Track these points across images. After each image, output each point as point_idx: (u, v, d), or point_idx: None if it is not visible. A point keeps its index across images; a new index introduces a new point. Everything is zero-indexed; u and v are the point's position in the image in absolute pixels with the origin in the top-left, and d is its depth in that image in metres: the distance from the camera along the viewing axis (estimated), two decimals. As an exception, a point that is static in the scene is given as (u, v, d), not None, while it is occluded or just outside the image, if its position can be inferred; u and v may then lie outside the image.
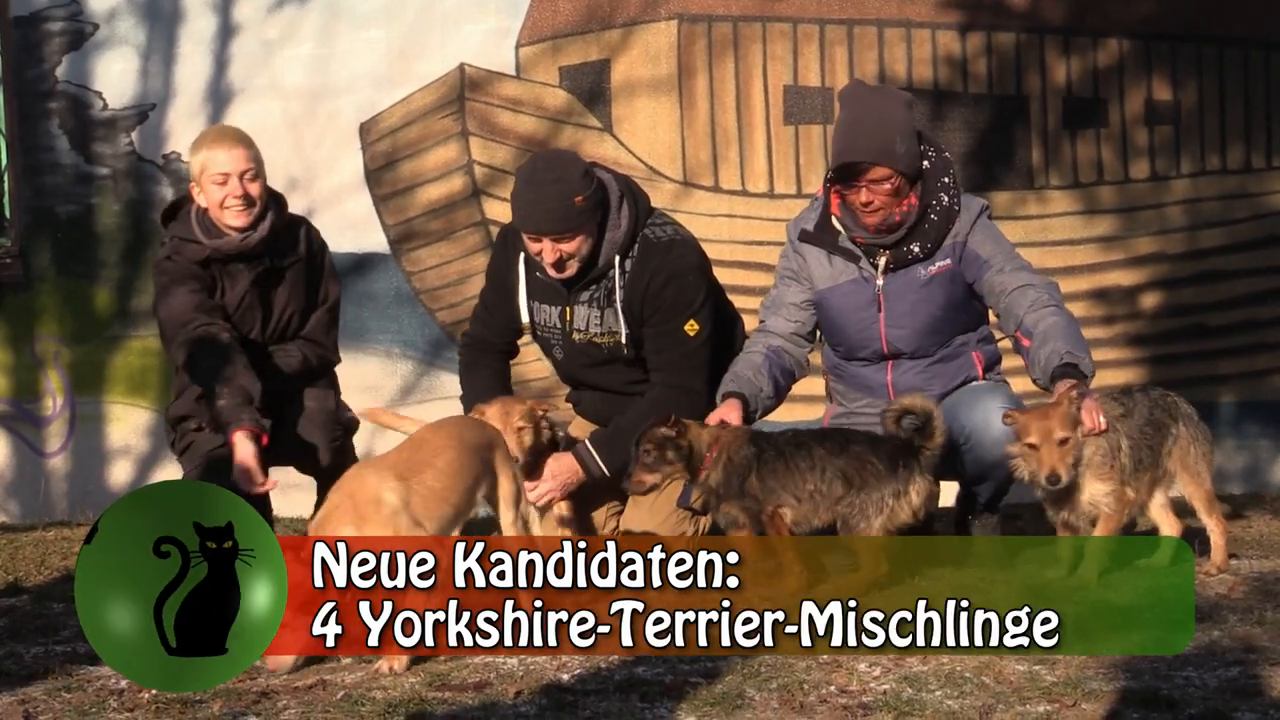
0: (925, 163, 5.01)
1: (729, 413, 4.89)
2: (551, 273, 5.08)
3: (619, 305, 5.10)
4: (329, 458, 5.29)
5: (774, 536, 4.63)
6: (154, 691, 3.73)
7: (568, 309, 5.18)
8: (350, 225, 7.84)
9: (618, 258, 5.08)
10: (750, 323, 5.40)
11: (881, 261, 5.02)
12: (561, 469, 5.10)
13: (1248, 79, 7.99)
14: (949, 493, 5.49)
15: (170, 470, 7.08)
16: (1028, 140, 7.97)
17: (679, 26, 7.97)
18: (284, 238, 5.37)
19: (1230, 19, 7.99)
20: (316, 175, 7.97)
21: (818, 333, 5.24)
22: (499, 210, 7.98)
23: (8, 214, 8.17)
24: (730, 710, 3.59)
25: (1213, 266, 7.96)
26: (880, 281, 5.03)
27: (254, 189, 5.26)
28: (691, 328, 5.13)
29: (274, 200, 5.36)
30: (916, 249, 4.99)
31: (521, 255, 5.20)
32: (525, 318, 5.24)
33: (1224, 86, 8.01)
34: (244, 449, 4.88)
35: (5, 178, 8.15)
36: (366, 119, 8.06)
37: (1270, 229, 7.96)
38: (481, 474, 4.27)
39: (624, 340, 5.13)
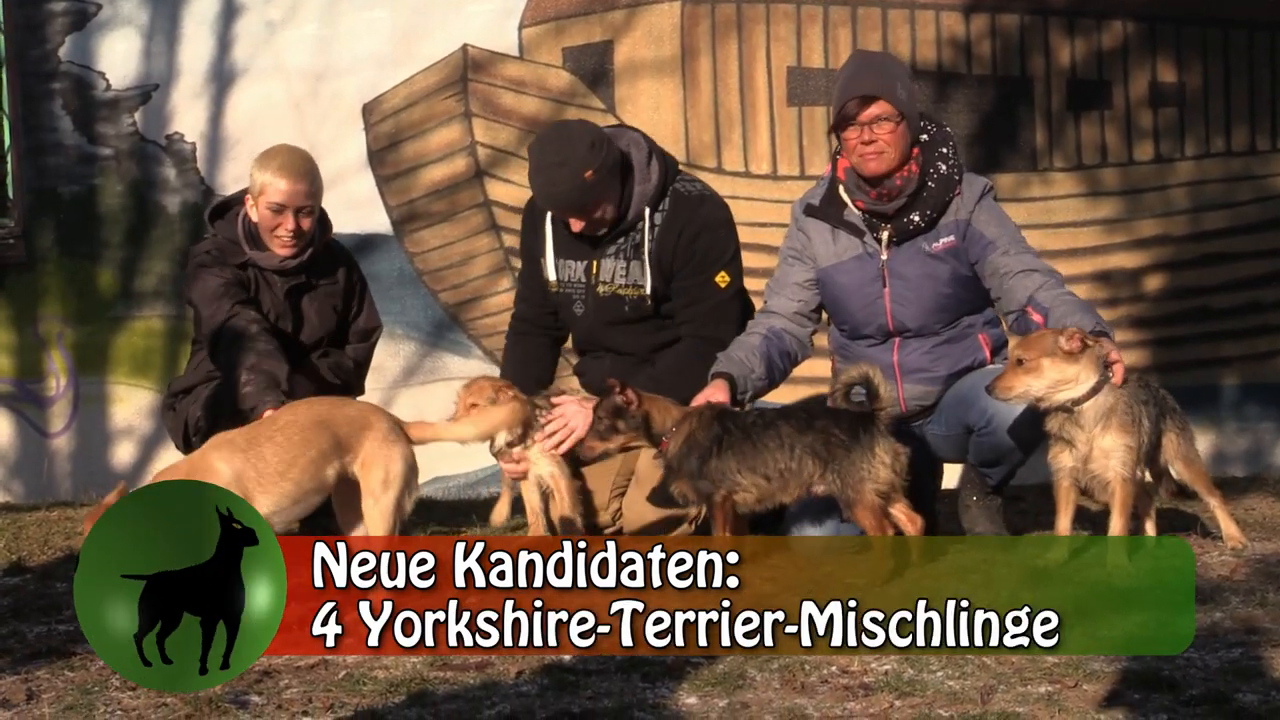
0: (924, 135, 5.03)
1: (715, 393, 4.87)
2: (584, 232, 5.14)
3: (646, 257, 5.15)
4: None
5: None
6: (156, 670, 3.73)
7: (594, 262, 5.24)
8: (353, 206, 7.82)
9: (648, 210, 5.15)
10: (757, 305, 5.42)
11: (885, 236, 5.02)
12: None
13: (1253, 61, 7.97)
14: (951, 475, 5.51)
15: (171, 452, 7.08)
16: (1031, 122, 7.95)
17: (682, 7, 7.96)
18: (322, 259, 5.39)
19: (1235, 0, 7.97)
20: (319, 156, 7.80)
21: (822, 313, 5.24)
22: (502, 191, 7.98)
23: (10, 194, 8.16)
24: (731, 690, 3.60)
25: (1217, 249, 7.94)
26: (884, 256, 5.03)
27: (306, 224, 5.25)
28: (722, 279, 5.19)
29: (319, 224, 5.36)
30: (917, 218, 4.99)
31: (549, 214, 5.26)
32: (551, 274, 5.27)
33: (1229, 68, 7.98)
34: None
35: (8, 158, 8.14)
36: (369, 100, 8.05)
37: (1274, 211, 7.94)
38: (330, 451, 4.24)
39: (647, 293, 5.17)
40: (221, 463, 4.12)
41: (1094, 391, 4.58)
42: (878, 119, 4.92)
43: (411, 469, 4.41)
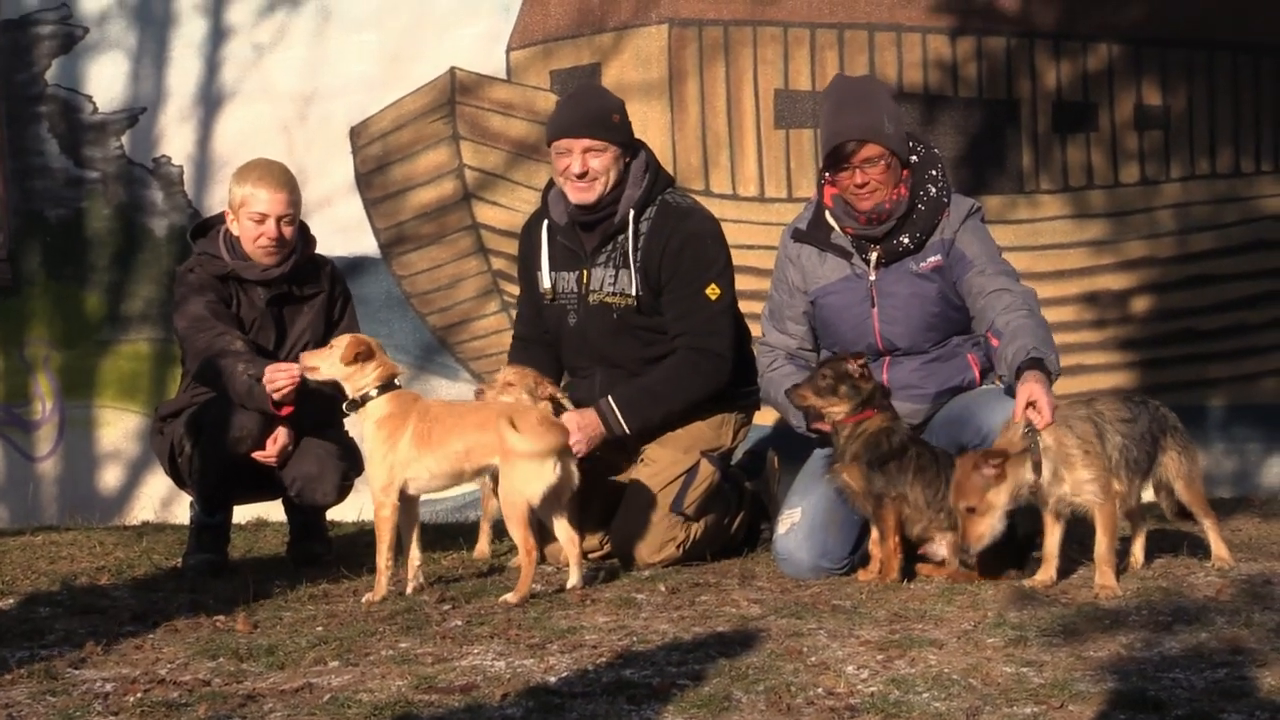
0: (914, 157, 5.04)
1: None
2: (574, 193, 5.17)
3: (634, 266, 5.18)
4: (335, 496, 5.46)
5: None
6: (139, 694, 3.72)
7: (585, 271, 5.29)
8: (341, 229, 7.83)
9: (633, 212, 5.20)
10: (751, 329, 5.48)
11: (873, 257, 5.04)
12: (586, 423, 5.13)
13: (1237, 83, 8.00)
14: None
15: (158, 475, 7.06)
16: (1018, 144, 7.97)
17: (670, 30, 7.97)
18: (306, 270, 5.46)
19: (1220, 23, 8.01)
20: (307, 179, 7.91)
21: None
22: (490, 214, 7.98)
23: (-3, 218, 8.16)
24: (717, 712, 3.58)
25: (1203, 270, 7.96)
26: (873, 277, 5.05)
27: (289, 232, 5.37)
28: (713, 291, 5.25)
29: (301, 236, 5.46)
30: (906, 240, 5.01)
31: (545, 225, 5.35)
32: (547, 284, 5.30)
33: (1214, 91, 8.02)
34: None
35: (-5, 181, 8.14)
36: (357, 123, 8.06)
37: (1259, 233, 7.97)
38: (464, 453, 4.86)
39: (634, 302, 5.21)
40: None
41: (1037, 469, 4.59)
42: (869, 160, 4.95)
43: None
